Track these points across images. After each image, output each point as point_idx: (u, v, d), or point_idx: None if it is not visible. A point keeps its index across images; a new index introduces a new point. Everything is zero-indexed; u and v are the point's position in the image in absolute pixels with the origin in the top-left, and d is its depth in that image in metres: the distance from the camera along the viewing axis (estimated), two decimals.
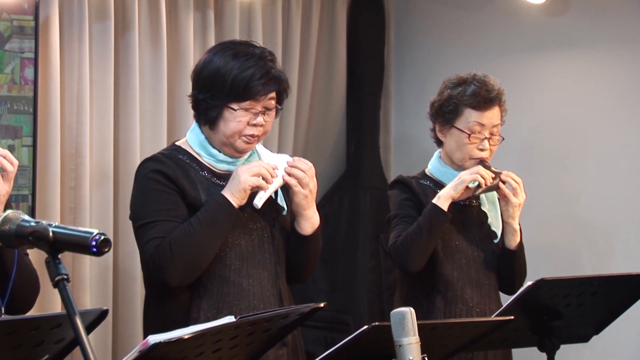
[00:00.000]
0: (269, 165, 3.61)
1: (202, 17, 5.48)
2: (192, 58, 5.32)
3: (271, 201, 3.66)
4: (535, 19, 5.82)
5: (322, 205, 5.80)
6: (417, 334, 2.98)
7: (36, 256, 3.30)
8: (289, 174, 3.62)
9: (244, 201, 3.57)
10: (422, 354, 2.97)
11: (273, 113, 3.68)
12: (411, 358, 2.95)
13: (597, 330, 4.18)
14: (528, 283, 3.78)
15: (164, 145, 5.03)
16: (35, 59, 4.84)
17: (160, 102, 5.30)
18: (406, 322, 2.97)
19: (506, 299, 4.29)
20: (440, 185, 4.21)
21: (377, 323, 3.11)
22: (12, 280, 3.23)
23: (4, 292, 3.25)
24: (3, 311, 3.28)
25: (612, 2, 5.64)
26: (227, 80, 3.59)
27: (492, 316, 3.94)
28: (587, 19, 5.72)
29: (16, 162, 3.28)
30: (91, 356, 2.43)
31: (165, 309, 3.62)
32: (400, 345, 2.96)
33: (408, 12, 6.29)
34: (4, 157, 3.24)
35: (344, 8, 6.08)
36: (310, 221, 3.72)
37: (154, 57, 5.29)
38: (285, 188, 3.68)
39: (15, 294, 3.26)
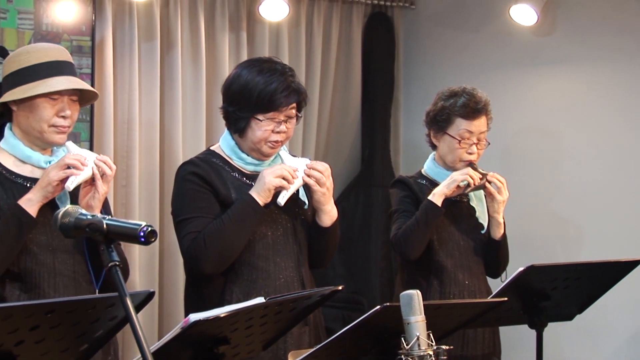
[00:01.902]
0: (290, 167, 3.60)
1: (236, 37, 5.48)
2: (227, 73, 5.29)
3: (294, 198, 3.65)
4: (525, 38, 5.80)
5: (339, 201, 5.80)
6: (423, 313, 2.97)
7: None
8: (308, 175, 3.62)
9: (269, 199, 3.56)
10: (427, 330, 2.96)
11: (294, 120, 3.68)
12: (418, 334, 2.94)
13: (580, 310, 4.17)
14: (519, 269, 3.78)
15: (202, 149, 5.03)
16: (92, 74, 4.85)
17: (199, 112, 5.31)
18: (414, 302, 2.96)
19: (492, 282, 4.30)
20: (434, 184, 4.21)
21: (388, 304, 3.10)
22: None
23: (98, 277, 3.26)
24: (97, 291, 3.29)
25: (593, 25, 5.62)
26: (253, 95, 3.58)
27: (488, 298, 3.94)
28: (570, 39, 5.70)
29: (114, 167, 3.30)
30: (139, 332, 2.43)
31: (203, 293, 3.62)
32: (408, 323, 2.96)
33: (415, 33, 6.28)
34: (104, 163, 3.25)
35: (359, 30, 6.07)
36: (329, 215, 3.71)
37: (194, 72, 5.30)
38: (307, 186, 3.67)
39: (108, 278, 3.27)
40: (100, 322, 2.66)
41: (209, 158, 3.69)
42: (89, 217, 2.60)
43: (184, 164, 3.72)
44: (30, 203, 3.15)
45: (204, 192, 3.60)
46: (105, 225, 2.54)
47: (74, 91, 3.28)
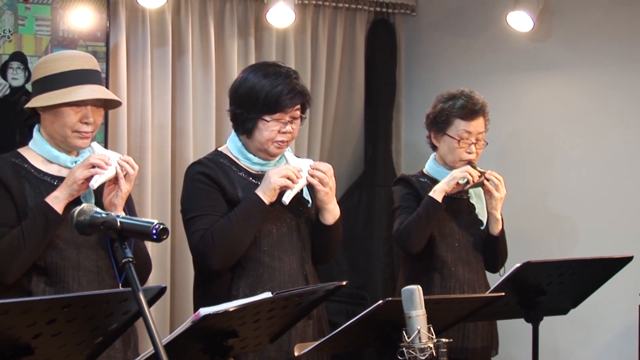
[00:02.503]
0: (295, 168, 3.60)
1: (245, 44, 5.48)
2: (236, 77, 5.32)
3: (298, 197, 3.64)
4: (522, 44, 5.81)
5: (343, 200, 5.80)
6: (423, 307, 2.96)
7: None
8: (312, 175, 3.61)
9: (275, 198, 3.55)
10: (427, 324, 2.96)
11: (299, 121, 3.67)
12: (419, 328, 2.93)
13: (574, 305, 4.17)
14: (516, 265, 3.78)
15: (212, 150, 5.03)
16: (107, 79, 4.85)
17: (209, 114, 5.31)
18: (415, 297, 2.96)
19: (490, 276, 4.29)
20: (435, 182, 4.20)
21: (390, 298, 3.10)
22: None
23: (122, 271, 3.26)
24: (120, 285, 3.29)
25: (586, 32, 5.63)
26: (260, 97, 3.58)
27: (486, 293, 3.93)
28: (565, 45, 5.71)
29: (137, 167, 3.30)
30: (152, 325, 2.43)
31: (211, 288, 3.62)
32: (409, 317, 2.95)
33: (416, 39, 6.28)
34: (127, 162, 3.25)
35: (363, 36, 6.07)
36: (331, 213, 3.70)
37: (205, 76, 5.30)
38: (310, 186, 3.66)
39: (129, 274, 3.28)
40: (114, 316, 2.66)
41: (217, 159, 3.69)
42: (103, 215, 2.60)
43: (193, 164, 3.72)
44: (57, 200, 3.15)
45: (212, 191, 3.59)
46: (119, 223, 2.54)
47: (98, 99, 3.29)
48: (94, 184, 3.18)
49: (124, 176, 3.24)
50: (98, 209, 2.66)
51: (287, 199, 3.56)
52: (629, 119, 5.51)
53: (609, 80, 5.58)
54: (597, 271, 4.08)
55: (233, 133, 3.73)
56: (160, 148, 5.15)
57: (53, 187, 3.21)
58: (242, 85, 3.65)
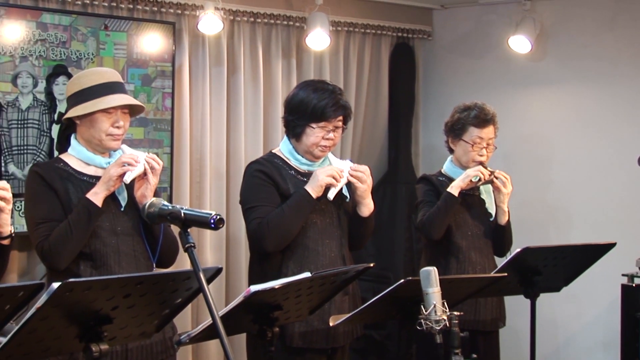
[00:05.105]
0: (338, 168, 3.60)
1: (287, 64, 5.47)
2: (280, 92, 5.32)
3: (338, 193, 3.64)
4: (521, 63, 5.78)
5: (371, 195, 5.78)
6: (439, 285, 2.95)
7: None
8: (353, 176, 3.61)
9: (320, 193, 3.56)
10: (442, 299, 2.94)
11: (340, 131, 3.67)
12: (435, 303, 2.92)
13: (567, 283, 4.17)
14: (517, 250, 3.76)
15: (260, 152, 5.04)
16: (172, 93, 4.86)
17: (258, 123, 5.30)
18: (431, 277, 2.95)
19: (498, 260, 4.27)
20: (452, 180, 4.18)
21: (410, 278, 3.09)
22: (160, 245, 3.25)
23: (155, 253, 3.27)
24: (154, 266, 3.30)
25: (577, 53, 5.62)
26: (309, 107, 3.59)
27: (492, 273, 3.91)
28: (559, 64, 5.69)
29: (161, 163, 3.28)
30: (210, 300, 2.44)
31: (264, 267, 3.61)
32: (427, 294, 2.94)
33: (431, 60, 6.25)
34: (153, 159, 3.25)
35: (387, 57, 6.05)
36: (367, 207, 3.70)
37: (254, 91, 5.30)
38: (349, 183, 3.65)
39: (161, 254, 3.28)
40: (178, 292, 2.66)
41: (272, 159, 3.69)
42: (170, 207, 2.61)
43: (252, 163, 3.72)
44: (96, 196, 3.14)
45: (267, 186, 3.59)
46: (182, 214, 2.55)
47: (125, 105, 3.28)
48: (127, 179, 3.16)
49: (151, 171, 3.23)
50: (165, 202, 2.67)
51: (331, 195, 3.57)
52: (612, 126, 5.53)
53: (596, 94, 5.59)
54: (586, 255, 4.06)
55: (285, 138, 3.73)
56: (217, 150, 5.15)
57: (92, 185, 3.19)
58: (295, 97, 3.66)
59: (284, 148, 3.72)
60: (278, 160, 3.68)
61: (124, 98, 3.25)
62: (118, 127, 3.25)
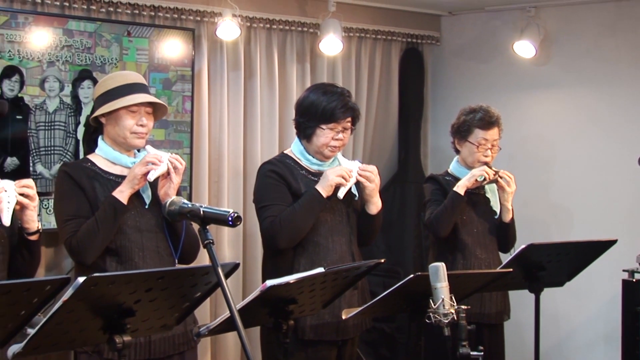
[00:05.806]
0: (347, 168, 3.59)
1: (302, 68, 5.48)
2: (294, 95, 5.31)
3: (347, 191, 3.63)
4: (526, 68, 5.77)
5: (380, 194, 5.74)
6: (447, 280, 2.94)
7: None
8: (361, 175, 3.61)
9: (331, 193, 3.55)
10: (450, 294, 2.93)
11: (349, 132, 3.67)
12: (443, 297, 2.92)
13: (569, 278, 4.14)
14: (522, 246, 3.74)
15: (275, 152, 5.04)
16: (192, 96, 4.88)
17: (273, 125, 5.31)
18: (440, 272, 2.95)
19: (502, 256, 4.26)
20: (458, 180, 4.17)
21: (419, 273, 3.08)
22: (182, 241, 3.25)
23: (177, 250, 3.27)
24: (176, 262, 3.30)
25: (580, 57, 5.60)
26: (319, 109, 3.59)
27: (497, 269, 3.90)
28: (562, 68, 5.68)
29: (184, 163, 3.28)
30: (228, 294, 2.44)
31: (277, 263, 3.61)
32: (435, 288, 2.94)
33: (440, 64, 6.24)
34: (176, 159, 3.25)
35: (397, 61, 6.04)
36: (375, 205, 3.69)
37: (270, 95, 5.30)
38: (357, 182, 3.65)
39: (183, 251, 3.28)
40: (198, 286, 2.67)
41: (284, 159, 3.69)
42: (189, 205, 2.61)
43: (265, 163, 3.72)
44: (122, 193, 3.14)
45: (280, 185, 3.59)
46: (202, 212, 2.55)
47: (149, 105, 3.28)
48: (151, 177, 3.16)
49: (174, 170, 3.24)
50: (185, 200, 2.67)
51: (341, 194, 3.56)
52: (612, 128, 5.51)
53: (597, 97, 5.57)
54: (588, 251, 4.04)
55: (296, 139, 3.73)
56: (235, 151, 5.16)
57: (118, 184, 3.19)
58: (306, 100, 3.66)
59: (295, 149, 3.71)
60: (290, 160, 3.68)
61: (146, 96, 3.27)
62: (142, 126, 3.25)
